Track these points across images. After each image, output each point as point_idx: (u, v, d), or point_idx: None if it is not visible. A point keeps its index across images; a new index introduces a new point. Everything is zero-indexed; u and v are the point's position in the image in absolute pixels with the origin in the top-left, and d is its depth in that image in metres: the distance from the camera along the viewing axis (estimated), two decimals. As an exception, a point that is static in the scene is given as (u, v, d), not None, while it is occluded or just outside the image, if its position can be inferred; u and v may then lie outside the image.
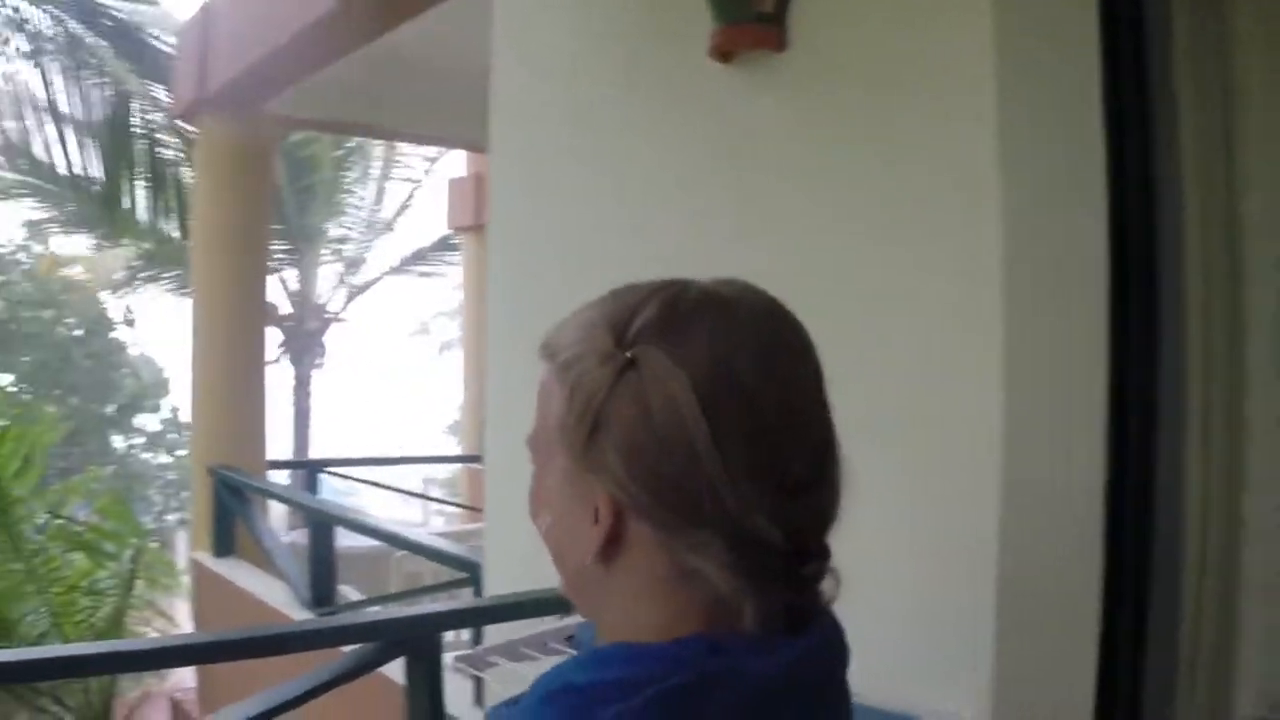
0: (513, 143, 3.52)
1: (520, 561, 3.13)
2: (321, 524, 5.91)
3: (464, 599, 4.91)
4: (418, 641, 2.79)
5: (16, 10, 8.90)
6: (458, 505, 12.33)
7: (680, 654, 0.86)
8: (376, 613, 5.32)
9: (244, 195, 7.74)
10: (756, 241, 2.58)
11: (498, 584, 3.42)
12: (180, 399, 20.45)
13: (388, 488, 10.69)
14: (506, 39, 3.52)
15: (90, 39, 9.09)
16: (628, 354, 0.88)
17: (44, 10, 8.87)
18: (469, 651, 2.79)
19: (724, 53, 2.57)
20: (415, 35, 6.16)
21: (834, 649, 0.99)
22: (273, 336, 15.45)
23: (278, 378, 16.22)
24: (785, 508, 0.87)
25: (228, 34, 7.31)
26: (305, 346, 17.94)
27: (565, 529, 0.96)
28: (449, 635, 3.33)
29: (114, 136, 9.20)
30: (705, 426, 0.84)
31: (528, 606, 2.89)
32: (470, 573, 4.28)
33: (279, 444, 14.59)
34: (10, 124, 9.15)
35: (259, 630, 4.01)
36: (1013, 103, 2.11)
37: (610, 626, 0.97)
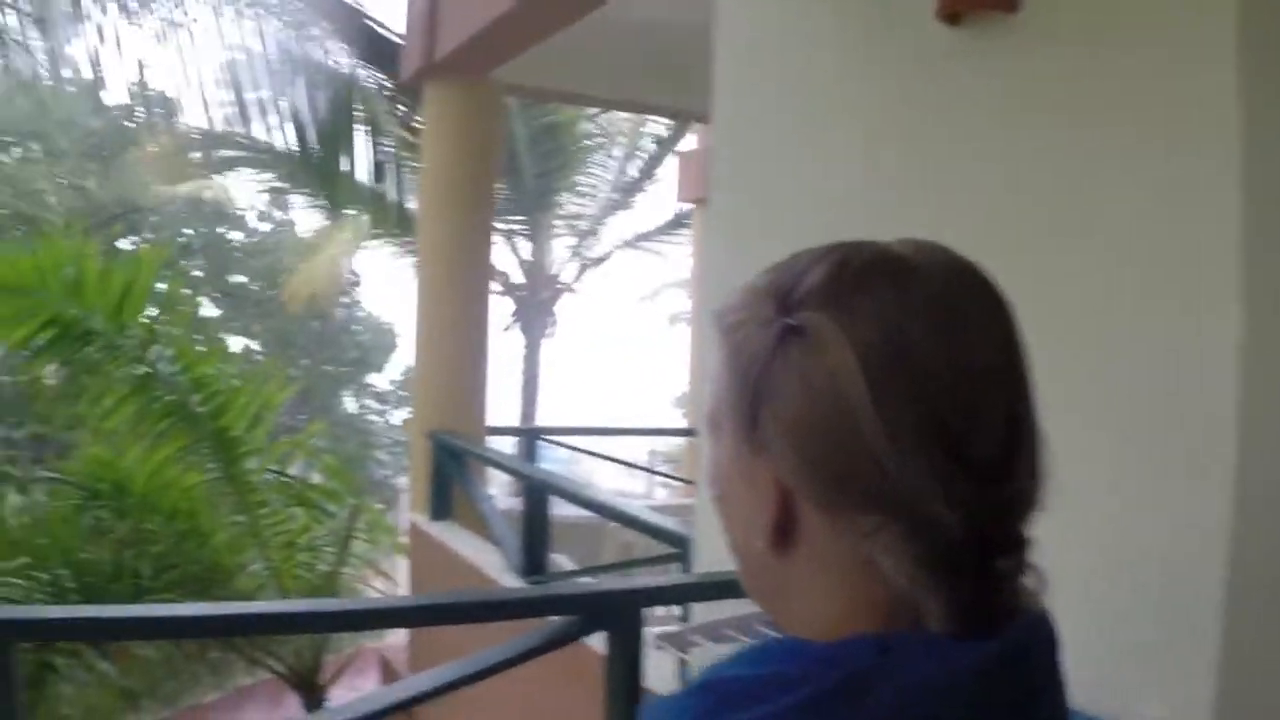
0: (732, 114, 3.45)
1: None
2: (536, 491, 5.93)
3: (672, 574, 4.88)
4: (619, 616, 2.75)
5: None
6: (675, 479, 12.33)
7: (841, 655, 0.77)
8: (581, 585, 5.33)
9: (470, 162, 7.80)
10: (982, 213, 2.48)
11: (707, 560, 3.35)
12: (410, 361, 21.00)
13: (608, 458, 10.74)
14: (728, 8, 3.45)
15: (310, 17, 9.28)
16: (789, 321, 0.80)
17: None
18: (672, 629, 2.76)
19: (952, 14, 2.45)
20: (640, 1, 6.15)
21: (1036, 654, 0.86)
22: (505, 305, 16.89)
23: (508, 346, 16.87)
24: (967, 491, 0.77)
25: (453, 5, 7.38)
26: (536, 315, 17.92)
27: (736, 511, 0.89)
28: (659, 610, 3.30)
29: (334, 105, 9.39)
30: (871, 400, 0.76)
31: (734, 586, 2.84)
32: (680, 548, 4.21)
33: (507, 411, 15.96)
34: (237, 96, 9.31)
35: (466, 596, 4.07)
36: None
37: (783, 619, 0.89)
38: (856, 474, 0.78)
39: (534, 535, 5.83)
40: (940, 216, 2.52)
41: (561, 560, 6.58)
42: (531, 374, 17.72)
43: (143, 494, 8.39)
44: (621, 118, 17.47)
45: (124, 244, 17.25)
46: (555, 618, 2.79)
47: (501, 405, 13.88)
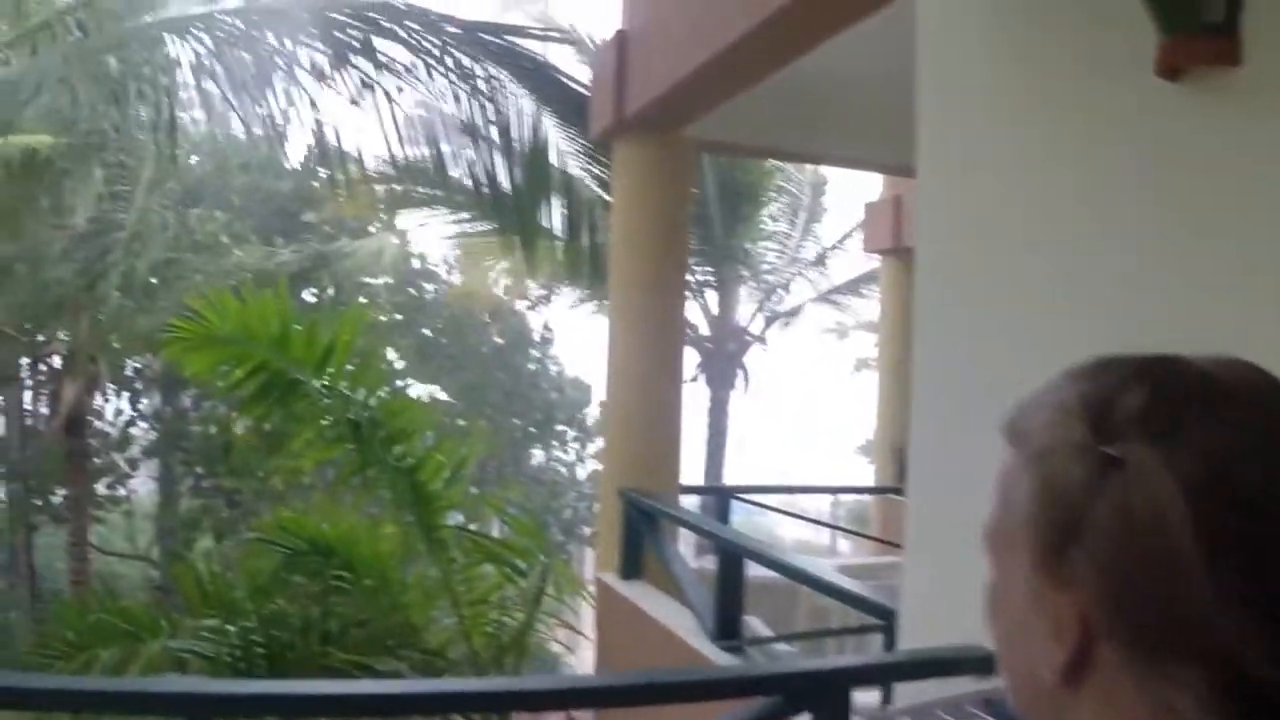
0: (940, 167, 3.38)
1: (940, 611, 2.98)
2: (733, 556, 5.82)
3: (875, 650, 4.74)
4: (827, 697, 2.66)
5: (440, 49, 9.31)
6: (869, 538, 12.10)
7: None
8: (784, 663, 5.20)
9: (662, 218, 7.81)
10: (1211, 280, 2.36)
11: (914, 634, 3.26)
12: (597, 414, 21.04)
13: (796, 515, 10.52)
14: (932, 64, 3.37)
15: (499, 72, 9.41)
16: (1109, 451, 0.74)
17: (461, 52, 9.25)
18: (879, 714, 2.67)
19: (1173, 68, 2.35)
20: (831, 56, 6.08)
21: None
22: (690, 357, 16.31)
23: (693, 398, 16.33)
24: None
25: (644, 61, 7.39)
26: (723, 368, 18.07)
27: (1022, 640, 0.82)
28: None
29: (531, 161, 9.48)
30: (1198, 544, 0.69)
31: (945, 664, 2.74)
32: (884, 619, 4.11)
33: (691, 464, 14.96)
34: (430, 149, 9.48)
35: (666, 675, 4.00)
36: None
37: None
38: (1174, 622, 0.71)
39: (728, 600, 5.74)
40: (1167, 270, 2.48)
41: (755, 624, 6.45)
42: (718, 427, 17.73)
43: (338, 548, 8.50)
44: (807, 170, 17.68)
45: (309, 296, 17.74)
46: (759, 698, 2.73)
47: (686, 458, 14.35)
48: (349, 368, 7.92)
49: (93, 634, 8.13)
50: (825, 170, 17.88)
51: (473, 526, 9.06)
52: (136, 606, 8.67)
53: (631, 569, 7.63)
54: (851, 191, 19.07)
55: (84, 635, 8.18)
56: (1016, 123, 3.04)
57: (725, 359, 18.11)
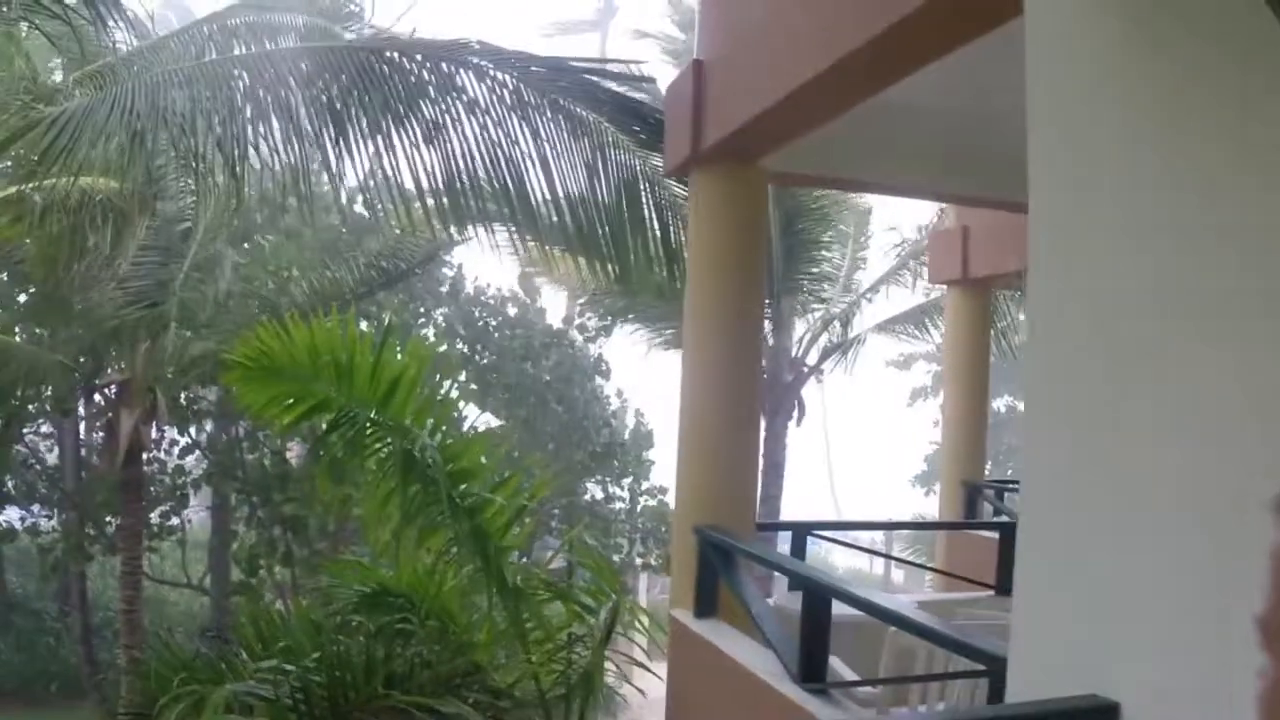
0: (1050, 201, 3.30)
1: (1055, 657, 2.89)
2: (817, 594, 5.72)
3: (980, 701, 4.60)
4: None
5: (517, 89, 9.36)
6: (939, 571, 11.85)
7: None
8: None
9: (738, 251, 7.73)
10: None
11: (1025, 682, 3.16)
12: (656, 450, 21.15)
13: (866, 550, 10.23)
14: (1042, 90, 3.30)
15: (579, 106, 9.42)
16: None
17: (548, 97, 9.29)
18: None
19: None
20: (906, 87, 6.01)
21: None
22: None
23: None
24: None
25: (722, 92, 7.34)
26: (780, 400, 18.11)
27: None
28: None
29: (621, 191, 9.50)
30: None
31: (1061, 716, 2.66)
32: (989, 665, 4.00)
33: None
34: (505, 180, 9.43)
35: None
36: None
37: None
38: None
39: (813, 640, 5.63)
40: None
41: (839, 666, 6.34)
42: (775, 460, 17.92)
43: (404, 590, 8.55)
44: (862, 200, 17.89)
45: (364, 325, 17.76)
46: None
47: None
48: (414, 404, 7.85)
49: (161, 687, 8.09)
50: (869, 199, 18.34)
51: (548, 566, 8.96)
52: (198, 662, 8.56)
53: (706, 607, 7.50)
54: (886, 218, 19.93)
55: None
56: (1141, 151, 2.96)
57: (782, 391, 18.18)
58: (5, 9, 9.76)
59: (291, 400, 7.83)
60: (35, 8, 9.32)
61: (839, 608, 5.84)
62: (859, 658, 6.82)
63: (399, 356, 8.02)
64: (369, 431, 8.05)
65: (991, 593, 8.70)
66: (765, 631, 6.31)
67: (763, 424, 16.57)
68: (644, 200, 9.71)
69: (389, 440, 7.99)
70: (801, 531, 8.62)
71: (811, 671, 5.57)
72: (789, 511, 18.61)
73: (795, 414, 18.55)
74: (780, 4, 6.41)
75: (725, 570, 7.09)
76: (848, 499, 39.98)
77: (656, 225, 9.79)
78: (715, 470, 7.76)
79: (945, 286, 14.13)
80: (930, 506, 29.96)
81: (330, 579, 9.69)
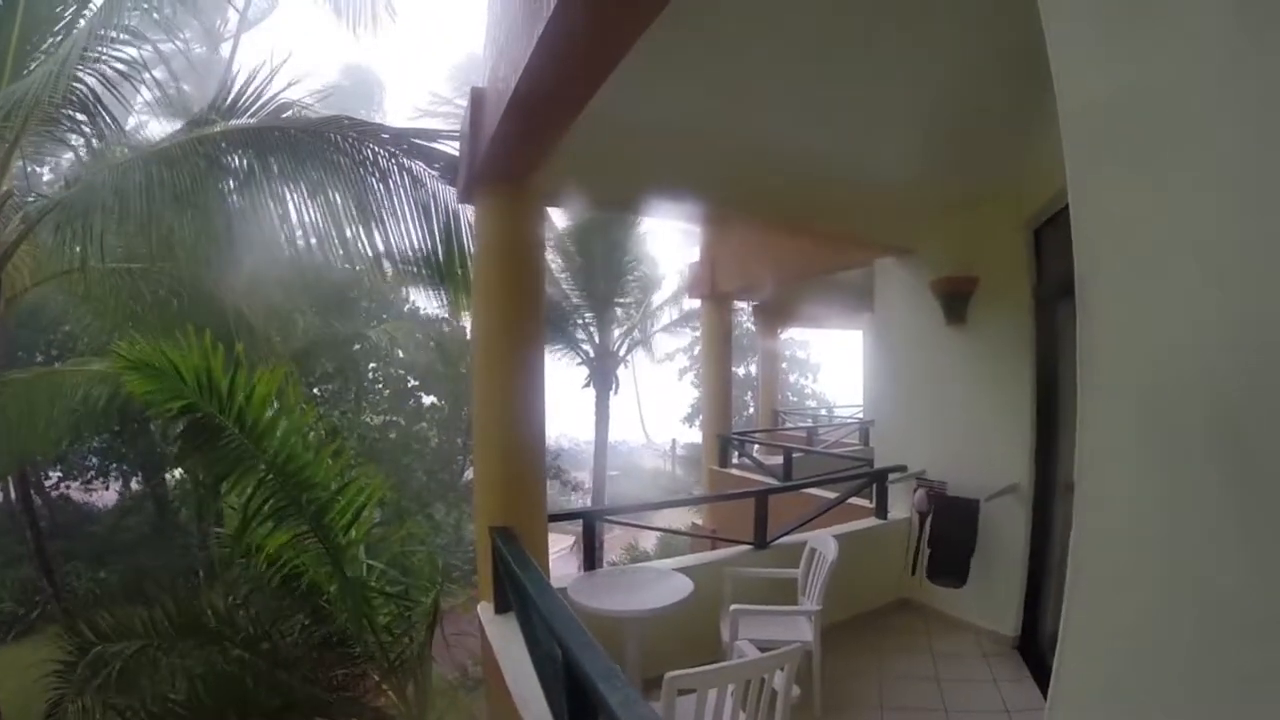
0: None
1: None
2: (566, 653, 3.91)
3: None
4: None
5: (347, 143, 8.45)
6: (704, 536, 10.79)
7: None
8: None
9: (515, 265, 6.15)
10: None
11: None
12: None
13: (640, 526, 9.67)
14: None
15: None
16: None
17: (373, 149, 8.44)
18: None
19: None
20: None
21: None
22: (582, 373, 20.61)
23: (586, 400, 20.83)
24: None
25: (485, 117, 5.72)
26: (607, 378, 20.77)
27: None
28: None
29: (446, 230, 8.56)
30: None
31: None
32: None
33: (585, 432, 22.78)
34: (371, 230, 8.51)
35: None
36: None
37: None
38: None
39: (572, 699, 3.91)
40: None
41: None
42: (602, 415, 20.91)
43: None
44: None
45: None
46: None
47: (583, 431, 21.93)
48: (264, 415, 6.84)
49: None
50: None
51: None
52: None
53: (503, 604, 6.01)
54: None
55: None
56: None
57: (604, 373, 20.70)
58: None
59: (166, 397, 6.57)
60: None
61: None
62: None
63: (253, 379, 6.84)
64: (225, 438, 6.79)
65: (752, 546, 7.92)
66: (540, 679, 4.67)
67: (594, 395, 20.69)
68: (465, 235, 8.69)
69: (240, 446, 6.77)
70: (591, 519, 7.04)
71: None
72: (617, 448, 26.10)
73: (614, 387, 21.05)
74: (512, 30, 4.69)
75: (511, 584, 5.55)
76: (653, 432, 49.06)
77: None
78: (506, 469, 6.16)
79: (700, 300, 15.93)
80: (695, 434, 35.53)
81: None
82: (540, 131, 4.99)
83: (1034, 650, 7.09)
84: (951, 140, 6.26)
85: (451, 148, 8.18)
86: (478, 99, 6.04)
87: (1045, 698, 1.97)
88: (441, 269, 8.52)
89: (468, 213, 8.38)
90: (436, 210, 8.46)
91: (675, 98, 5.18)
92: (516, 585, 5.21)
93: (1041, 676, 6.65)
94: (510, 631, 5.65)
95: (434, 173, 8.37)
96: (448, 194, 8.45)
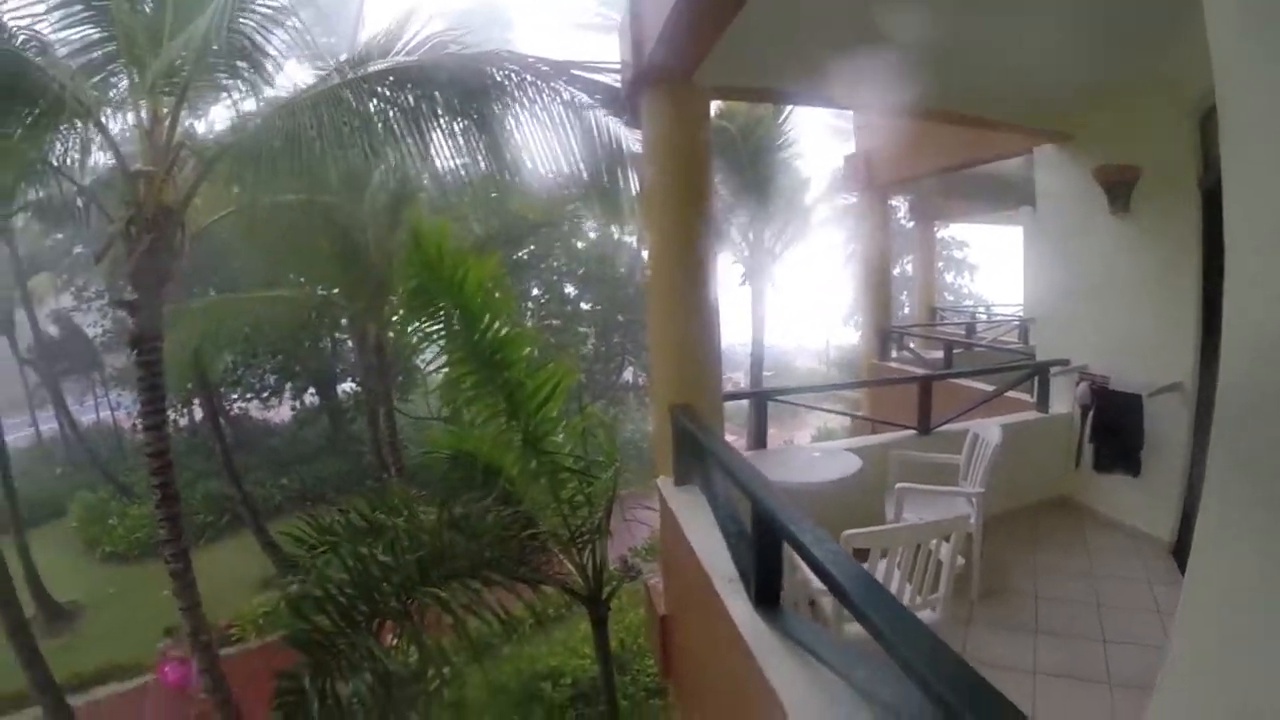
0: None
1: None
2: (769, 521, 3.90)
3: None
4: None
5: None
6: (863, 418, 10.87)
7: None
8: None
9: (685, 158, 6.28)
10: None
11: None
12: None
13: (807, 406, 10.14)
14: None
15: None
16: None
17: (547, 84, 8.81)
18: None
19: None
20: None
21: None
22: (739, 269, 20.81)
23: (740, 302, 20.91)
24: None
25: (651, 13, 5.81)
26: (759, 277, 20.66)
27: None
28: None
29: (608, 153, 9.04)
30: None
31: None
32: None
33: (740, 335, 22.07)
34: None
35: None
36: None
37: None
38: None
39: (763, 565, 4.07)
40: None
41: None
42: (759, 314, 20.75)
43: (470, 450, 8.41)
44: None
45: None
46: None
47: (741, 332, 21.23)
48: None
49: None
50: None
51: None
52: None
53: (683, 477, 6.31)
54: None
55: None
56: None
57: (759, 271, 20.58)
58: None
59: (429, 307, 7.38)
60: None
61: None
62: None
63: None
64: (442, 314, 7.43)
65: (915, 432, 8.27)
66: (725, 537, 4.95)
67: (750, 291, 20.65)
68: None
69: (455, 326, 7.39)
70: (763, 398, 7.32)
71: (761, 594, 4.06)
72: (770, 350, 24.06)
73: (770, 285, 20.98)
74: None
75: (693, 455, 5.89)
76: (807, 334, 46.26)
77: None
78: (682, 354, 6.42)
79: (856, 194, 15.97)
80: (849, 337, 37.13)
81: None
82: (710, 13, 5.08)
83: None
84: (1112, 20, 6.12)
85: (610, 78, 8.37)
86: (637, 8, 6.17)
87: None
88: (605, 188, 8.88)
89: (628, 137, 8.84)
90: (599, 135, 8.72)
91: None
92: (700, 452, 5.54)
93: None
94: (691, 499, 5.94)
95: (593, 103, 8.63)
96: (608, 120, 8.70)
